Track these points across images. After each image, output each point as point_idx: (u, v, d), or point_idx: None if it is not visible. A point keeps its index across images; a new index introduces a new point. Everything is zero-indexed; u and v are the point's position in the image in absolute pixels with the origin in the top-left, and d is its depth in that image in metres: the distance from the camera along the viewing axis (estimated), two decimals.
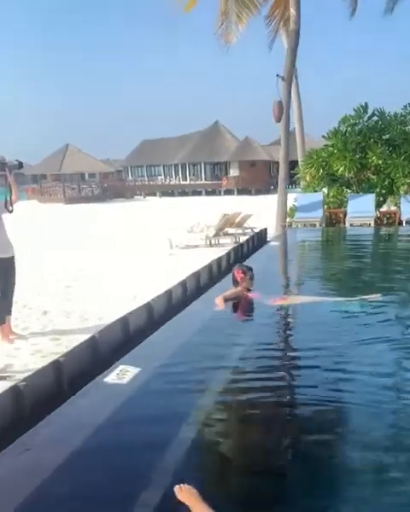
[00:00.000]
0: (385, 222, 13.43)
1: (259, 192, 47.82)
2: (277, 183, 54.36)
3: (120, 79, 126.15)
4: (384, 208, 13.62)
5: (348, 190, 14.33)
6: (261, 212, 20.45)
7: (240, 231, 16.55)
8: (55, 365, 3.99)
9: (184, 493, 2.20)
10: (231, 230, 16.46)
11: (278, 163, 56.49)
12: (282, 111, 13.63)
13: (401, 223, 12.85)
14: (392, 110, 14.44)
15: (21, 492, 2.36)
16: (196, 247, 14.86)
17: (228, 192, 49.71)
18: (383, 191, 13.72)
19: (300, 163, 17.03)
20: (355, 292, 5.86)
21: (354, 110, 14.36)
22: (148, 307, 5.62)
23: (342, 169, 13.75)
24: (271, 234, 12.39)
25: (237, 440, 3.00)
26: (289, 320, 5.45)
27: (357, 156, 13.73)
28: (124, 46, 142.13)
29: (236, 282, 5.74)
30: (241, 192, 48.47)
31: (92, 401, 3.38)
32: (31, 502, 2.30)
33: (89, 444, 2.81)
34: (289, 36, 14.14)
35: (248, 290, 5.75)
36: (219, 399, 3.48)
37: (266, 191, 48.47)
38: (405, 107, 14.35)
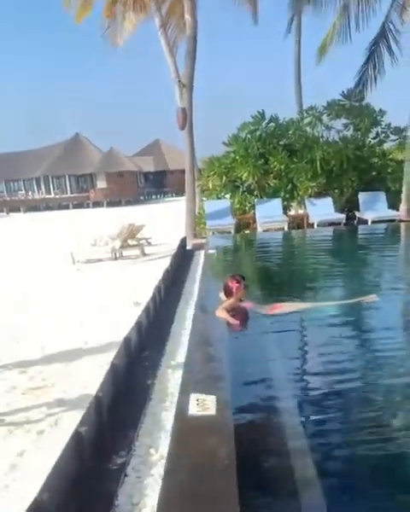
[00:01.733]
0: (293, 226, 13.60)
1: (129, 203, 47.21)
2: (146, 193, 54.13)
3: None
4: (292, 212, 13.84)
5: (251, 196, 14.38)
6: (147, 222, 19.97)
7: (135, 243, 16.02)
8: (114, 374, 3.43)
9: None
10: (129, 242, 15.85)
11: (145, 173, 56.30)
12: (185, 118, 13.35)
13: (309, 225, 13.11)
14: (286, 116, 14.86)
15: None
16: (100, 260, 14.08)
17: (97, 204, 48.50)
18: (287, 195, 13.94)
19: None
20: (347, 294, 5.72)
21: (252, 117, 14.49)
22: (138, 327, 5.02)
23: (246, 175, 13.78)
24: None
25: None
26: (292, 327, 5.14)
27: (260, 162, 13.84)
28: None
29: (229, 293, 5.29)
30: (110, 204, 47.51)
31: (202, 438, 2.82)
32: None
33: None
34: (187, 42, 13.90)
35: (241, 300, 5.34)
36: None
37: (136, 202, 48.07)
38: (299, 112, 14.77)
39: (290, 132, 14.21)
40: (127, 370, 4.24)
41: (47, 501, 2.29)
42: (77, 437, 2.81)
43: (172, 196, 52.52)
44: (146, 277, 10.14)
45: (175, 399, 4.02)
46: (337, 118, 14.29)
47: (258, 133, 14.27)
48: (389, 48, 13.96)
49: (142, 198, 51.69)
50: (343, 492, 2.45)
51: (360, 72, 14.15)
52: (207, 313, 5.08)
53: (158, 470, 3.10)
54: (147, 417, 3.74)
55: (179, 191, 50.10)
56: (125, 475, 3.03)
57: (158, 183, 55.61)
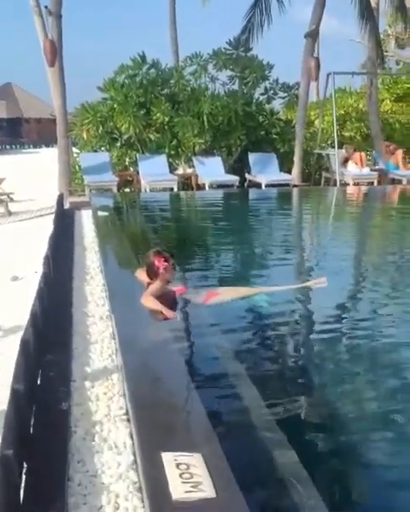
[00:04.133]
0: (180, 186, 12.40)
1: None
2: (0, 142, 49.01)
3: None
4: (180, 171, 12.65)
5: (132, 151, 13.01)
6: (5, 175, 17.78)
7: None
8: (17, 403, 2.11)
9: None
10: None
11: None
12: (55, 52, 11.36)
13: (199, 186, 12.08)
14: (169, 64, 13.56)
15: None
16: None
17: None
18: (172, 152, 12.77)
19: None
20: (285, 272, 4.87)
21: (132, 60, 12.97)
22: (34, 319, 3.72)
23: (126, 126, 12.34)
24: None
25: None
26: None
27: (141, 112, 12.47)
28: None
29: (154, 274, 4.12)
30: None
31: None
32: None
33: None
34: None
35: (168, 282, 4.22)
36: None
37: None
38: (185, 59, 13.52)
39: (173, 81, 12.93)
40: (32, 391, 3.00)
41: None
42: None
43: (30, 148, 48.50)
44: (21, 242, 8.60)
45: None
46: (225, 68, 13.20)
47: (138, 79, 12.81)
48: None
49: None
50: None
51: (246, 17, 13.15)
52: (129, 301, 3.90)
53: None
54: (74, 470, 2.56)
55: (38, 142, 46.47)
56: None
57: (13, 132, 50.78)
